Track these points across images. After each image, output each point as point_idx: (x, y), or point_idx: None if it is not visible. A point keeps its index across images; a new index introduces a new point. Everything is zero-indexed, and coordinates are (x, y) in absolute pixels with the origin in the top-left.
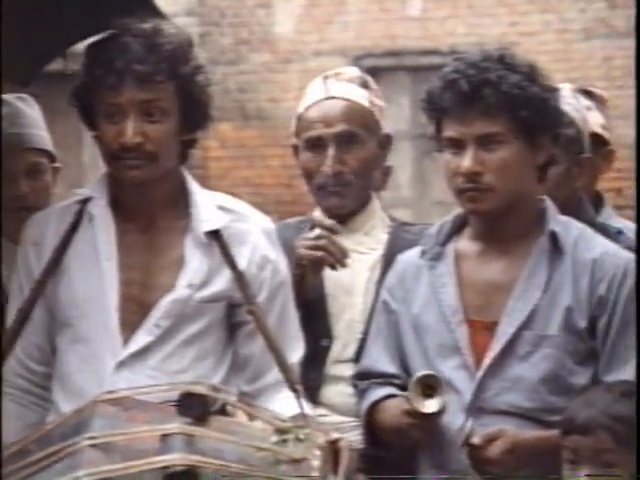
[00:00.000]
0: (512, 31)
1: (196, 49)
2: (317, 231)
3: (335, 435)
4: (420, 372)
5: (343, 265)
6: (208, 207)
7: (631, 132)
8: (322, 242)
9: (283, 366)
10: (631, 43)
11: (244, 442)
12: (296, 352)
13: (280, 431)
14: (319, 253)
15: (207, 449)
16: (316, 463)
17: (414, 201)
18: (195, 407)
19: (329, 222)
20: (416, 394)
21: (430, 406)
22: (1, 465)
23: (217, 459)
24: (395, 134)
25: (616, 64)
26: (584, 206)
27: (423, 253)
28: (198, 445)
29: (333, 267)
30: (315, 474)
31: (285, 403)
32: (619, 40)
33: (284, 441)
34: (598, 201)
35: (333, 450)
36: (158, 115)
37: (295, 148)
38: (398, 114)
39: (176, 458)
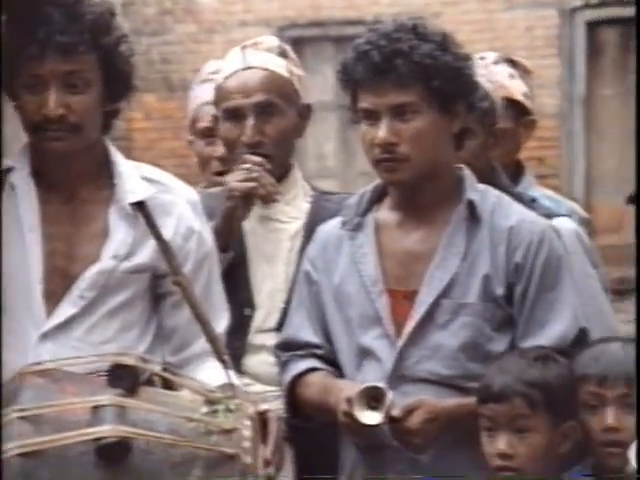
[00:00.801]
0: (435, 1)
1: (119, 19)
2: (248, 165)
3: (264, 406)
4: (369, 383)
5: (274, 199)
6: (132, 178)
7: (552, 101)
8: (254, 174)
9: (210, 336)
10: (552, 13)
11: (175, 413)
12: (222, 322)
13: (210, 402)
14: (251, 184)
15: (138, 420)
16: (247, 433)
17: (339, 171)
18: (125, 378)
19: (258, 159)
20: (360, 403)
21: (371, 418)
22: (2, 468)
23: (148, 430)
24: (320, 104)
25: (538, 34)
26: (498, 175)
27: (343, 224)
28: (129, 416)
29: (265, 200)
30: (246, 444)
31: (211, 373)
32: (541, 10)
33: (214, 412)
34: (519, 170)
35: (262, 420)
36: (81, 86)
37: (215, 118)
38: (323, 84)
39: (107, 430)
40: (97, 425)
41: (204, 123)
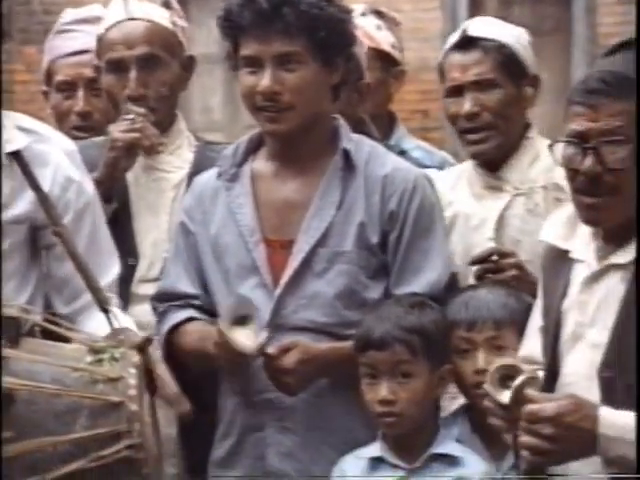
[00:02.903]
0: None
1: None
2: (131, 115)
3: (146, 334)
4: (234, 303)
5: (157, 150)
6: (7, 128)
7: (436, 55)
8: (138, 125)
9: (91, 286)
10: None
11: (59, 363)
12: (112, 269)
13: (95, 351)
14: (135, 134)
15: (21, 371)
16: (132, 381)
17: (225, 124)
18: (7, 329)
19: (142, 110)
20: (229, 325)
21: (243, 336)
22: (1, 465)
23: (32, 381)
24: (205, 57)
25: None
26: (367, 127)
27: (220, 174)
28: (12, 367)
29: (148, 151)
30: (132, 392)
31: (102, 321)
32: None
33: (99, 361)
34: (392, 121)
35: (147, 368)
36: None
37: (97, 69)
38: (208, 37)
39: None
40: None
41: (61, 76)
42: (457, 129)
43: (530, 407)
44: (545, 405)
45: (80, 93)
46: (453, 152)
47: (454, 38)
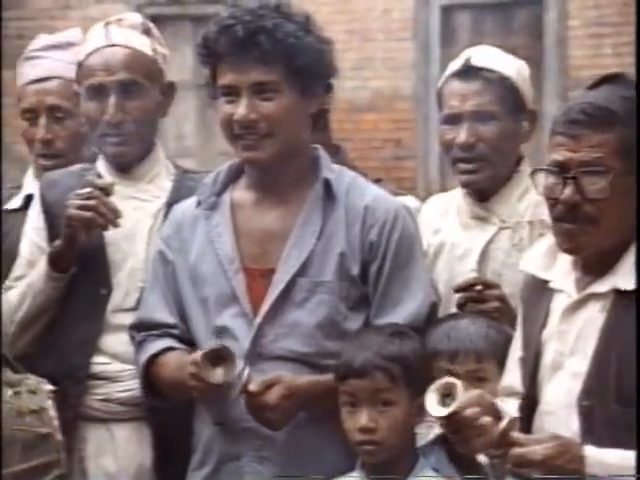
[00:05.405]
0: None
1: None
2: (88, 190)
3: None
4: (214, 344)
5: (115, 226)
6: None
7: (408, 84)
8: (92, 202)
9: None
10: None
11: None
12: None
13: (11, 384)
14: (88, 214)
15: None
16: (53, 413)
17: (198, 151)
18: None
19: (101, 182)
20: (206, 362)
21: (218, 376)
22: (1, 466)
23: None
24: (179, 84)
25: (395, 17)
26: (343, 155)
27: (199, 203)
28: None
29: (104, 228)
30: (55, 422)
31: None
32: None
33: (17, 393)
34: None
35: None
36: None
37: (76, 95)
38: (181, 63)
39: None
40: None
41: (25, 104)
42: (450, 157)
43: (518, 451)
44: (533, 448)
45: (42, 121)
46: (425, 181)
47: (456, 65)
